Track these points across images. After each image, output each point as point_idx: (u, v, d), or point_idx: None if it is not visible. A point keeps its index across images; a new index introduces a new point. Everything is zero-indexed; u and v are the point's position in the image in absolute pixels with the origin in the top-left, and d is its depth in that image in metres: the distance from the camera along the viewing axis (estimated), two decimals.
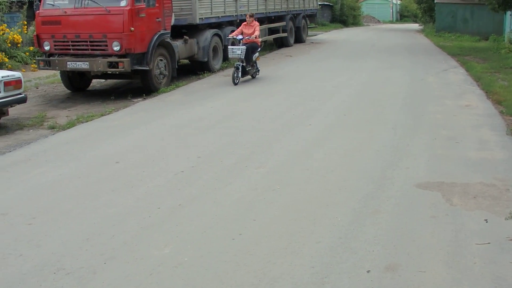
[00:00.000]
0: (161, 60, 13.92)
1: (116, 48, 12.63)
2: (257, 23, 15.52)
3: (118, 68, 12.72)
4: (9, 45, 20.03)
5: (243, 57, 14.62)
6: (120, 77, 14.59)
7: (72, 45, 13.23)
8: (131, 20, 12.56)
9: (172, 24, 14.47)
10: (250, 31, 15.16)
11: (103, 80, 15.69)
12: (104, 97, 13.59)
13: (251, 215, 5.86)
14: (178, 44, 15.03)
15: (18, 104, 10.82)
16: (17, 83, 10.64)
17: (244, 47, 14.65)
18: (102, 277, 4.76)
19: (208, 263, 4.88)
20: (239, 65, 14.72)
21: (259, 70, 15.79)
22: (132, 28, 12.57)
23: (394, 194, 6.30)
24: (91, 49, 13.02)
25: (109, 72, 13.58)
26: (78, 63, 13.01)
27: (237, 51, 14.68)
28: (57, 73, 15.75)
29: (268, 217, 5.79)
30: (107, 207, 6.32)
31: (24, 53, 20.36)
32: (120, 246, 5.30)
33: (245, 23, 15.54)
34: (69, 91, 14.64)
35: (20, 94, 10.69)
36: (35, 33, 14.05)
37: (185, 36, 15.75)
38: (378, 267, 4.71)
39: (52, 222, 5.98)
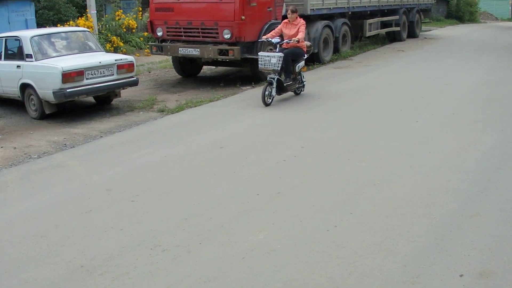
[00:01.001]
0: (270, 49, 13.98)
1: (227, 36, 12.80)
2: (302, 22, 11.31)
3: (228, 55, 12.88)
4: (125, 30, 20.80)
5: (278, 68, 10.73)
6: (229, 64, 14.78)
7: (184, 32, 13.54)
8: (242, 9, 12.67)
9: (283, 14, 14.47)
10: (293, 31, 11.14)
11: (214, 67, 15.95)
12: (214, 83, 13.83)
13: (349, 208, 5.78)
14: None
15: (130, 86, 11.23)
16: (129, 67, 11.03)
17: (280, 54, 10.80)
18: (196, 256, 4.86)
19: (300, 252, 4.86)
20: (273, 78, 10.75)
21: (304, 84, 11.86)
22: (243, 17, 12.69)
23: (497, 199, 5.98)
24: (202, 36, 13.26)
25: (219, 60, 13.79)
26: (189, 49, 13.30)
27: (271, 60, 10.81)
28: (169, 58, 16.20)
29: (365, 212, 5.68)
30: (208, 190, 6.43)
31: (139, 38, 21.07)
32: (216, 229, 5.37)
33: (286, 20, 11.40)
34: (180, 76, 15.02)
35: (132, 77, 11.09)
36: (149, 19, 14.48)
37: None
38: (472, 272, 4.50)
39: (153, 201, 6.17)
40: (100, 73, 10.52)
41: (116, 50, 18.38)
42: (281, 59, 10.74)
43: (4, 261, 4.97)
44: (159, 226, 5.50)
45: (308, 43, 12.08)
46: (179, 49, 13.42)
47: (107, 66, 10.64)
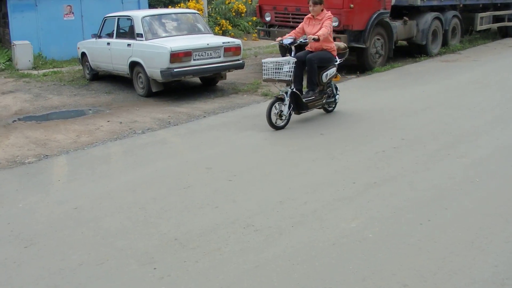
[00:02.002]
0: (378, 39, 13.71)
1: (335, 24, 12.63)
2: (328, 15, 8.71)
3: None
4: (234, 14, 21.06)
5: (290, 78, 8.33)
6: None
7: (292, 18, 13.50)
8: None
9: (392, 4, 14.14)
10: (316, 29, 8.63)
11: None
12: None
13: (444, 203, 5.56)
14: (396, 24, 14.64)
15: (236, 69, 11.36)
16: (236, 50, 11.14)
17: (292, 59, 8.36)
18: (287, 238, 4.83)
19: (391, 243, 4.73)
20: (286, 93, 8.34)
21: (337, 99, 9.28)
22: (352, 5, 12.49)
23: None
24: None
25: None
26: None
27: (283, 67, 8.32)
28: (276, 44, 16.16)
29: (461, 208, 5.45)
30: (305, 175, 6.39)
31: (247, 22, 21.25)
32: (309, 213, 5.32)
33: (309, 15, 8.93)
34: None
35: (238, 60, 11.20)
36: (258, 4, 14.53)
37: (404, 17, 15.32)
38: None
39: (250, 182, 6.21)
40: (207, 55, 10.69)
41: (224, 33, 18.64)
42: (292, 67, 8.26)
43: (102, 229, 5.15)
44: (253, 206, 5.51)
45: (342, 45, 9.59)
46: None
47: (215, 48, 10.79)
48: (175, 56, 10.25)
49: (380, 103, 10.07)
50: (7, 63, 17.21)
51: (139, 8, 18.74)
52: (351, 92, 11.05)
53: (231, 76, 12.16)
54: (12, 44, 16.78)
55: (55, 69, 15.58)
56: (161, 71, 10.28)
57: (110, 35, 12.38)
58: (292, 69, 8.25)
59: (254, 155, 7.18)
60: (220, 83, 11.87)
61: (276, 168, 6.64)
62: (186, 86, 12.08)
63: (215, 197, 5.76)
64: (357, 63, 13.54)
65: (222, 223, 5.15)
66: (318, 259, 4.48)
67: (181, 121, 9.01)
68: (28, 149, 7.92)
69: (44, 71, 15.35)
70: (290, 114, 8.45)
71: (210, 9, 20.62)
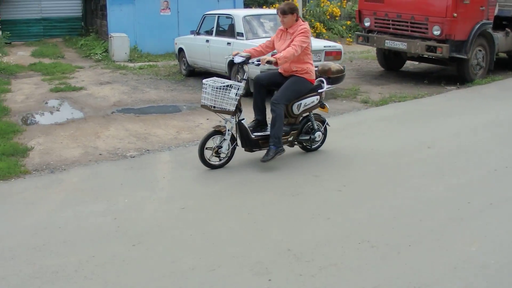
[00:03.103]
0: (479, 50, 13.12)
1: (436, 33, 12.18)
2: (302, 29, 6.76)
3: (435, 53, 12.29)
4: (328, 17, 20.81)
5: (233, 108, 6.55)
6: (434, 62, 14.09)
7: (392, 24, 13.10)
8: (455, 5, 11.95)
9: (494, 14, 13.52)
10: (284, 46, 6.80)
11: (417, 63, 15.36)
12: (417, 79, 13.26)
13: None
14: (498, 36, 14.00)
15: None
16: (337, 54, 10.88)
17: (239, 85, 6.58)
18: (406, 258, 4.53)
19: None
20: (228, 124, 6.69)
21: (317, 137, 7.30)
22: (455, 14, 11.98)
23: None
24: (411, 31, 12.74)
25: (424, 56, 13.25)
26: (396, 42, 12.86)
27: (229, 92, 6.52)
28: (371, 49, 15.88)
29: None
30: (417, 190, 6.05)
31: (341, 26, 20.95)
32: (426, 232, 5.00)
33: (281, 27, 7.09)
34: (382, 69, 14.64)
35: None
36: (357, 8, 14.22)
37: (507, 29, 14.62)
38: None
39: (361, 193, 5.93)
40: None
41: (318, 36, 18.40)
42: (240, 90, 6.53)
43: (211, 233, 4.99)
44: (366, 220, 5.24)
45: (337, 67, 7.36)
46: (386, 41, 13.04)
47: (315, 52, 10.53)
48: None
49: (484, 117, 9.52)
50: (103, 54, 17.55)
51: (234, 6, 18.74)
52: (453, 105, 10.57)
53: None
54: (109, 36, 17.09)
55: (151, 63, 15.75)
56: (261, 72, 10.10)
57: (209, 33, 12.37)
58: (239, 97, 6.51)
59: (362, 165, 6.88)
60: None
61: (386, 181, 6.33)
62: None
63: (325, 208, 5.51)
64: (457, 74, 13.00)
65: (336, 236, 4.91)
66: (441, 283, 4.17)
67: None
68: (128, 142, 7.90)
69: (139, 64, 15.54)
70: (233, 150, 6.81)
71: (304, 11, 20.41)
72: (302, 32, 6.72)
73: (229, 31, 11.62)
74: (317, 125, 7.29)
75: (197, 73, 13.34)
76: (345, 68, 7.55)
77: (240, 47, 10.73)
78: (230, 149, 6.75)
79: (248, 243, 4.77)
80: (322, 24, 20.03)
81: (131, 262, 4.49)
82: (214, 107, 6.58)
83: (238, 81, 6.76)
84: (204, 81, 6.62)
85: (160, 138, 8.07)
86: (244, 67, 6.88)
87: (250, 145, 6.83)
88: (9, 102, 10.80)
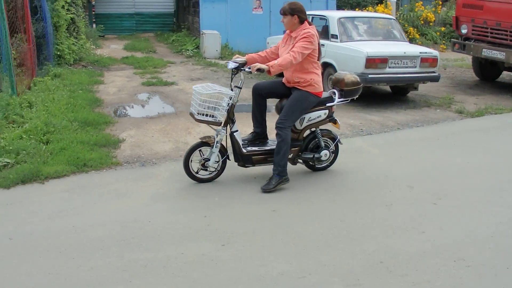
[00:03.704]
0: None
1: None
2: (304, 33, 5.99)
3: None
4: (422, 22, 20.34)
5: (221, 120, 5.99)
6: None
7: (491, 33, 12.61)
8: None
9: None
10: (286, 52, 6.04)
11: None
12: None
13: None
14: None
15: (430, 81, 10.79)
16: (433, 61, 10.57)
17: (231, 94, 6.00)
18: (504, 281, 4.29)
19: None
20: (217, 136, 6.13)
21: (323, 156, 6.57)
22: None
23: None
24: (510, 40, 12.24)
25: None
26: (493, 51, 12.37)
27: (221, 102, 5.99)
28: (466, 57, 15.42)
29: None
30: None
31: (435, 32, 20.44)
32: None
33: (288, 31, 6.32)
34: (477, 78, 14.15)
35: (434, 72, 10.63)
36: (454, 15, 13.80)
37: None
38: None
39: (457, 208, 5.69)
40: (403, 64, 10.24)
41: (411, 41, 17.99)
42: (232, 100, 6.00)
43: (302, 237, 4.91)
44: (462, 237, 5.02)
45: (352, 78, 6.65)
46: (483, 50, 12.56)
47: (411, 58, 10.31)
48: (371, 62, 9.90)
49: None
50: (194, 50, 17.77)
51: (327, 8, 18.59)
52: None
53: (422, 88, 11.60)
54: (201, 33, 17.29)
55: None
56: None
57: None
58: (229, 107, 5.95)
59: (458, 178, 6.62)
60: (411, 94, 11.36)
61: (483, 196, 6.06)
62: (375, 93, 11.68)
63: (420, 221, 5.32)
64: None
65: (430, 251, 4.72)
66: None
67: (374, 130, 8.63)
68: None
69: None
70: (224, 163, 6.31)
71: (397, 15, 20.05)
72: (304, 37, 5.94)
73: (323, 33, 11.47)
74: (325, 142, 6.61)
75: None
76: (359, 81, 6.73)
77: (333, 49, 10.66)
78: (220, 163, 6.26)
79: (339, 252, 4.67)
80: (415, 29, 19.59)
81: (220, 262, 4.47)
82: (198, 117, 5.96)
83: (231, 89, 6.07)
84: (193, 87, 6.04)
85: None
86: (241, 74, 6.10)
87: (242, 160, 6.23)
88: (102, 93, 11.08)
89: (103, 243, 4.78)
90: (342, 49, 10.56)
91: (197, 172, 6.22)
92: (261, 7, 18.30)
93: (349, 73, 6.81)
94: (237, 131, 6.17)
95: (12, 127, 7.90)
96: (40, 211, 5.49)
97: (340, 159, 6.87)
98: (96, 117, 8.78)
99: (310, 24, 6.17)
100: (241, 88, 6.08)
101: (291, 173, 6.42)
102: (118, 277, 4.22)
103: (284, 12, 6.11)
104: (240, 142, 6.18)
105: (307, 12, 12.32)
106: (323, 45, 10.96)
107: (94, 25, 23.38)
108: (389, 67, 10.10)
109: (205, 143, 6.15)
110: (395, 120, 9.32)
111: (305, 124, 6.33)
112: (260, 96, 6.39)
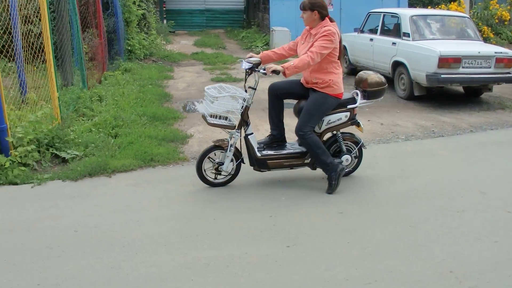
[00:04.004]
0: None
1: None
2: (324, 31, 5.59)
3: None
4: (496, 21, 19.72)
5: (234, 123, 5.72)
6: None
7: None
8: None
9: None
10: (305, 50, 5.72)
11: None
12: None
13: None
14: None
15: (505, 83, 10.38)
16: (508, 62, 10.19)
17: (245, 96, 5.68)
18: None
19: None
20: (232, 138, 5.87)
21: (344, 161, 6.15)
22: None
23: None
24: None
25: None
26: None
27: (236, 103, 5.70)
28: None
29: None
30: None
31: (510, 31, 19.79)
32: None
33: (307, 28, 5.97)
34: None
35: (509, 73, 10.23)
36: None
37: None
38: None
39: None
40: (477, 64, 9.90)
41: (485, 41, 17.46)
42: (247, 102, 5.70)
43: (368, 242, 4.76)
44: None
45: (376, 78, 6.17)
46: None
47: (485, 58, 9.96)
48: (444, 61, 9.62)
49: None
50: (264, 47, 17.77)
51: (398, 6, 18.28)
52: None
53: (496, 89, 11.18)
54: (271, 30, 17.26)
55: None
56: (426, 75, 9.70)
57: (373, 31, 12.10)
58: (243, 109, 5.68)
59: None
60: (484, 95, 10.98)
61: None
62: (447, 93, 11.35)
63: (492, 229, 5.07)
64: None
65: (503, 262, 4.48)
66: None
67: (446, 132, 8.36)
68: (287, 137, 7.82)
69: None
70: (239, 167, 6.06)
71: (471, 13, 19.48)
72: (324, 36, 5.54)
73: (395, 31, 11.27)
74: (347, 146, 6.22)
75: (358, 72, 13.02)
76: (384, 81, 6.23)
77: (405, 48, 10.42)
78: (234, 167, 6.01)
79: (407, 258, 4.50)
80: (489, 28, 18.99)
81: (284, 264, 4.38)
82: (211, 120, 5.65)
83: (245, 90, 5.74)
84: (205, 88, 5.71)
85: None
86: (256, 75, 5.75)
87: (256, 164, 5.92)
88: (171, 88, 11.17)
89: (167, 239, 4.77)
90: (414, 47, 10.30)
91: (215, 178, 6.02)
92: (332, 4, 18.13)
93: (373, 72, 6.35)
94: (252, 133, 5.86)
95: (82, 120, 8.04)
96: (106, 204, 5.55)
97: (411, 161, 6.69)
98: (165, 112, 8.83)
99: (331, 20, 5.78)
100: (255, 89, 5.75)
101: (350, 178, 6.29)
102: (180, 275, 4.19)
103: (303, 7, 5.72)
104: (255, 146, 5.87)
105: (379, 10, 12.20)
106: (395, 43, 10.78)
107: (165, 21, 23.67)
108: (463, 67, 9.79)
109: (218, 146, 5.90)
110: (468, 122, 9.01)
111: (324, 127, 5.96)
112: (276, 96, 6.06)
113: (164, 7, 24.57)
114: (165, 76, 12.41)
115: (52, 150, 6.83)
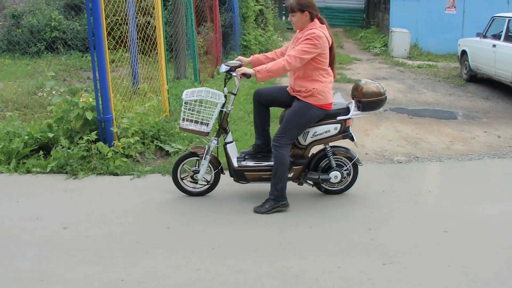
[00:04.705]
0: None
1: None
2: (308, 34, 4.95)
3: None
4: None
5: (206, 130, 5.31)
6: None
7: None
8: None
9: None
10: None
11: None
12: None
13: None
14: None
15: None
16: None
17: (220, 101, 5.25)
18: None
19: None
20: (207, 147, 5.47)
21: (333, 178, 5.44)
22: None
23: None
24: None
25: None
26: None
27: (214, 105, 5.31)
28: None
29: None
30: None
31: None
32: None
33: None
34: None
35: None
36: None
37: None
38: None
39: None
40: None
41: None
42: (226, 108, 5.34)
43: (472, 266, 4.28)
44: None
45: (373, 88, 5.45)
46: None
47: None
48: None
49: None
50: (382, 48, 17.28)
51: None
52: None
53: None
54: (390, 31, 16.76)
55: (430, 62, 15.10)
56: None
57: (496, 37, 11.34)
58: (217, 115, 5.26)
59: None
60: None
61: None
62: None
63: None
64: None
65: None
66: None
67: None
68: (397, 144, 7.43)
69: (418, 62, 14.98)
70: (218, 176, 5.57)
71: None
72: (306, 39, 4.91)
73: None
74: (339, 162, 5.53)
75: (478, 79, 12.35)
76: (385, 91, 5.52)
77: None
78: (212, 176, 5.54)
79: None
80: None
81: (377, 283, 4.00)
82: (182, 124, 5.31)
83: (224, 96, 5.28)
84: (185, 92, 5.33)
85: (431, 145, 7.45)
86: (235, 78, 5.21)
87: (234, 175, 5.41)
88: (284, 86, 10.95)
89: (258, 244, 4.54)
90: None
91: (185, 185, 5.62)
92: (455, 7, 17.32)
93: (372, 81, 5.60)
94: (231, 142, 5.43)
95: None
96: (201, 202, 5.41)
97: None
98: (274, 111, 8.61)
99: (322, 22, 5.11)
100: (235, 94, 5.29)
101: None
102: (266, 284, 3.94)
103: (291, 9, 5.08)
104: (234, 155, 5.41)
105: (504, 14, 11.41)
106: None
107: (283, 18, 23.59)
108: None
109: (194, 153, 5.49)
110: None
111: (309, 139, 5.32)
112: (260, 104, 5.48)
113: (284, 3, 24.51)
114: None
115: (157, 143, 6.80)
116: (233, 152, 5.42)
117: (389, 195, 5.72)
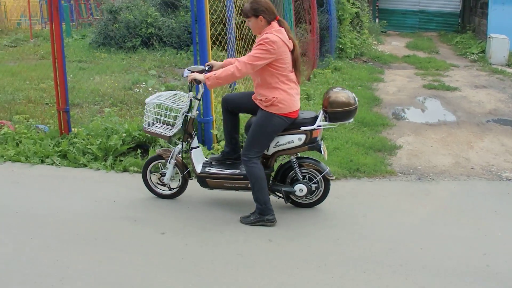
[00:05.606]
0: None
1: None
2: (262, 39, 4.71)
3: None
4: None
5: (169, 133, 5.28)
6: None
7: None
8: None
9: None
10: None
11: None
12: None
13: None
14: None
15: None
16: None
17: (182, 107, 5.26)
18: None
19: None
20: (171, 154, 5.46)
21: (298, 190, 5.18)
22: None
23: None
24: None
25: None
26: None
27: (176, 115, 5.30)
28: None
29: None
30: None
31: None
32: None
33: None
34: None
35: None
36: None
37: None
38: None
39: None
40: None
41: None
42: (191, 113, 5.24)
43: None
44: None
45: (343, 98, 5.04)
46: None
47: None
48: None
49: None
50: (479, 54, 16.71)
51: None
52: None
53: None
54: (488, 37, 16.18)
55: None
56: None
57: None
58: (181, 120, 5.23)
59: None
60: None
61: None
62: None
63: None
64: None
65: None
66: None
67: None
68: (504, 159, 7.08)
69: None
70: (184, 180, 5.49)
71: None
72: (259, 44, 4.69)
73: None
74: (307, 174, 5.23)
75: None
76: (357, 100, 5.11)
77: None
78: (180, 179, 5.51)
79: None
80: None
81: None
82: (147, 127, 5.30)
83: (189, 101, 5.21)
84: (151, 97, 5.28)
85: None
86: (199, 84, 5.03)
87: (198, 181, 5.31)
88: (381, 92, 10.76)
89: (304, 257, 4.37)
90: None
91: (154, 186, 5.63)
92: None
93: (342, 89, 5.23)
94: (197, 147, 5.34)
95: None
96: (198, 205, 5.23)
97: None
98: (374, 118, 8.44)
99: (281, 25, 4.88)
100: (199, 99, 5.22)
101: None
102: None
103: (245, 15, 4.89)
104: (197, 161, 5.32)
105: None
106: None
107: (377, 20, 23.24)
108: None
109: (160, 156, 5.48)
110: None
111: (272, 149, 5.07)
112: (227, 111, 5.33)
113: (377, 6, 24.12)
114: (375, 78, 11.99)
115: None
116: (198, 157, 5.38)
117: (503, 216, 5.37)
